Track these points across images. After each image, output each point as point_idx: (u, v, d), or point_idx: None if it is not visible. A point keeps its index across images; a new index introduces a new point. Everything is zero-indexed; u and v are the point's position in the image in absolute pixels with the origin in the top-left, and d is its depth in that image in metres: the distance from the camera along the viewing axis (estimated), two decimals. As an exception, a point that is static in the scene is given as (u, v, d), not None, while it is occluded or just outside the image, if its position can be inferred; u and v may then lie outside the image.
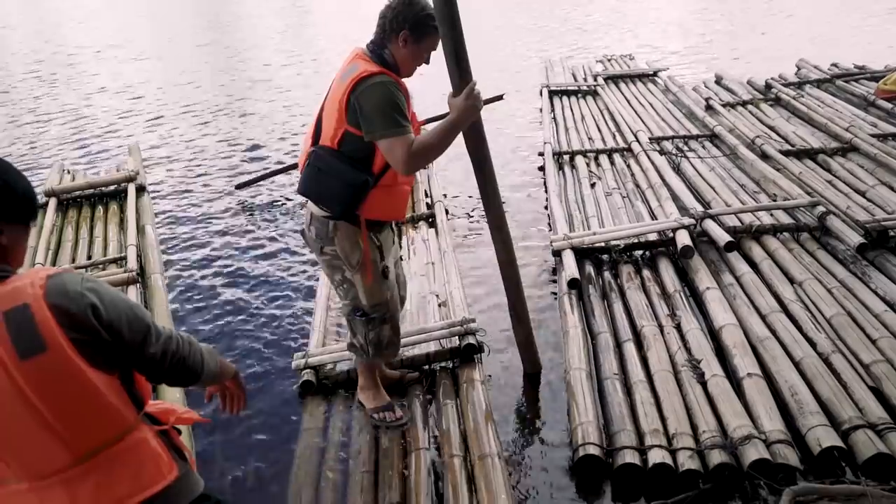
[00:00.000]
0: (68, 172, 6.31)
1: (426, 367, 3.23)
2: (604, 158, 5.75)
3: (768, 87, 7.24)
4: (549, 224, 4.87)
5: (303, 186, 2.40)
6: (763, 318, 3.32)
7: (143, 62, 13.21)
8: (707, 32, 12.59)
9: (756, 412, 2.67)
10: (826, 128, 5.82)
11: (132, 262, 4.19)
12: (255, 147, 7.35)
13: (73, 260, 4.58)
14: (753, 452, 2.44)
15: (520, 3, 18.15)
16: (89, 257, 4.58)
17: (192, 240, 5.12)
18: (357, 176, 2.28)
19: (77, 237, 4.91)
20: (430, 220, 4.88)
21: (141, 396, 1.40)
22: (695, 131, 6.21)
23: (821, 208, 4.14)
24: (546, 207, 5.13)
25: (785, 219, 4.25)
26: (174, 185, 6.31)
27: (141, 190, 5.53)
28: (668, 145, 5.90)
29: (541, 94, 7.89)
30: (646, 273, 3.86)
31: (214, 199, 5.92)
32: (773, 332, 3.19)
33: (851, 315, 3.26)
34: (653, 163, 5.33)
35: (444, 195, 5.28)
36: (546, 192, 5.30)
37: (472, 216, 5.20)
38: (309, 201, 2.45)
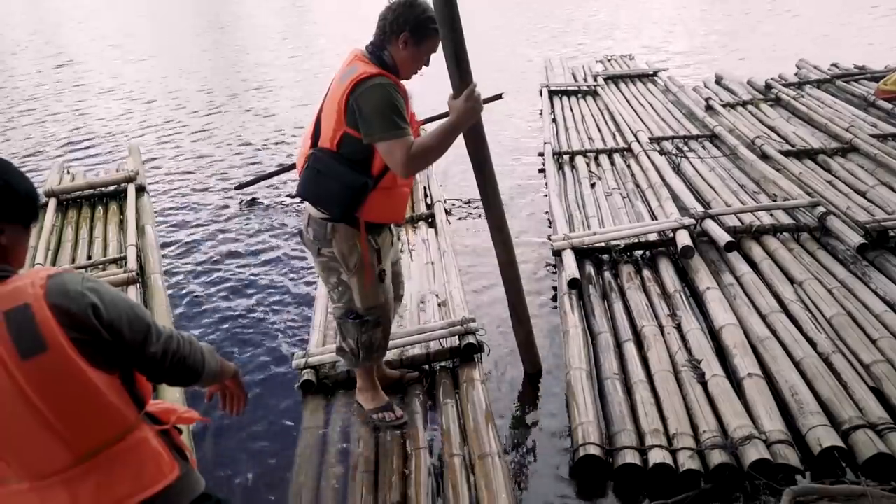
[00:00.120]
0: (68, 172, 6.30)
1: (426, 366, 3.23)
2: (604, 158, 5.75)
3: (768, 87, 7.24)
4: (549, 224, 4.87)
5: (301, 189, 2.39)
6: (763, 318, 3.32)
7: (144, 62, 13.21)
8: (709, 32, 12.60)
9: (756, 412, 2.67)
10: (826, 128, 5.82)
11: (132, 263, 4.19)
12: (255, 147, 7.35)
13: (73, 260, 4.58)
14: (754, 452, 2.44)
15: (520, 3, 18.15)
16: (89, 257, 4.58)
17: (191, 240, 5.12)
18: (356, 178, 2.27)
19: (77, 237, 4.91)
20: (430, 220, 4.88)
21: (142, 396, 1.40)
22: (695, 131, 6.21)
23: (821, 208, 4.14)
24: (546, 207, 5.13)
25: (785, 219, 4.25)
26: (174, 186, 6.31)
27: (141, 190, 5.52)
28: (668, 145, 5.90)
29: (541, 94, 7.89)
30: (646, 273, 3.86)
31: (214, 199, 5.92)
32: (774, 332, 3.19)
33: (851, 315, 3.26)
34: (653, 163, 5.33)
35: (444, 199, 5.28)
36: (546, 191, 5.30)
37: (472, 216, 5.20)
38: (307, 203, 2.44)
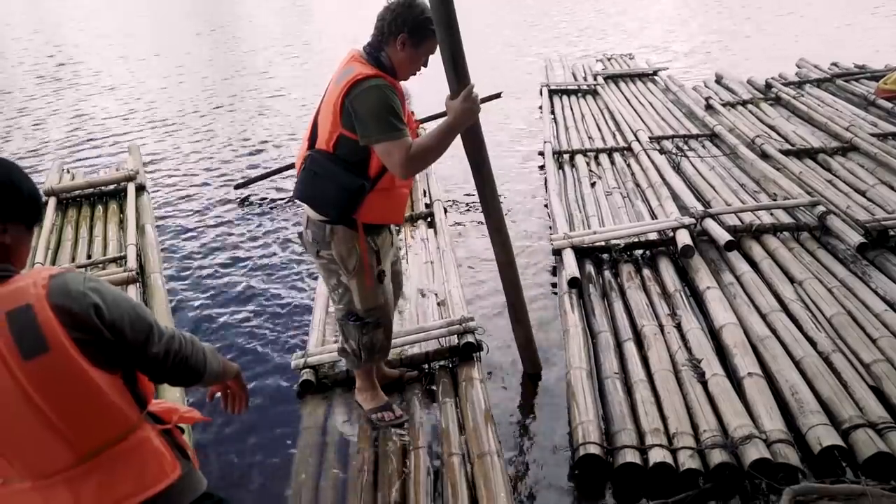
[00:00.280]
0: (68, 172, 6.30)
1: (425, 365, 3.23)
2: (604, 157, 5.75)
3: (768, 86, 7.24)
4: (549, 223, 4.87)
5: (299, 191, 2.38)
6: (763, 317, 3.32)
7: (143, 62, 13.20)
8: (710, 32, 12.59)
9: (756, 411, 2.67)
10: (826, 127, 5.81)
11: (132, 262, 4.18)
12: (255, 147, 7.35)
13: (73, 259, 4.58)
14: (754, 452, 2.44)
15: (520, 3, 18.14)
16: (89, 256, 4.57)
17: (191, 238, 5.12)
18: (353, 180, 2.26)
19: (77, 236, 4.91)
20: (429, 219, 4.88)
21: (144, 396, 1.40)
22: (695, 131, 6.21)
23: (821, 208, 4.14)
24: (546, 206, 5.13)
25: (785, 218, 4.25)
26: (174, 185, 6.31)
27: (141, 189, 5.52)
28: (668, 144, 5.90)
29: (541, 93, 7.90)
30: (646, 272, 3.86)
31: (214, 198, 5.92)
32: (774, 331, 3.19)
33: (851, 314, 3.26)
34: (653, 162, 5.32)
35: (443, 198, 5.28)
36: (546, 191, 5.30)
37: (471, 214, 5.20)
38: (306, 205, 2.43)
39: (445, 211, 4.97)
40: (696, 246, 3.95)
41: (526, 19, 15.52)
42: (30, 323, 1.17)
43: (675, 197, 4.65)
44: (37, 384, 1.19)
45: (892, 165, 4.82)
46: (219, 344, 3.70)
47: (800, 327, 3.21)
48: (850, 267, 3.71)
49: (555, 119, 7.04)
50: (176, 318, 3.98)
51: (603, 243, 4.06)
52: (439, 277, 3.99)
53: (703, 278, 3.70)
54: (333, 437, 2.83)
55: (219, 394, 1.75)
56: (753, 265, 3.82)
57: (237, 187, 5.98)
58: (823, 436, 2.50)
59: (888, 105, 6.29)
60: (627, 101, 7.46)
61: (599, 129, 6.55)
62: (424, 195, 5.32)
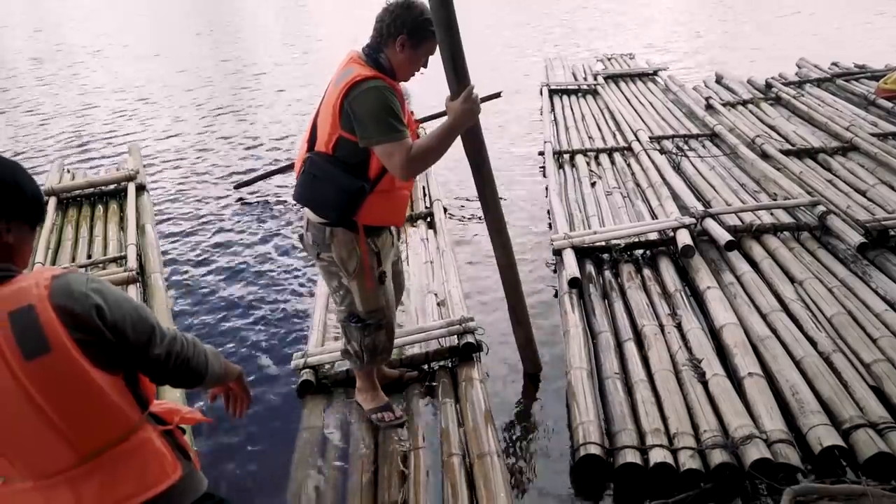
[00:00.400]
0: (68, 171, 6.30)
1: (425, 365, 3.23)
2: (604, 157, 5.75)
3: (768, 86, 7.23)
4: (549, 223, 4.87)
5: (298, 193, 2.37)
6: (764, 317, 3.32)
7: (144, 62, 13.20)
8: (711, 32, 12.59)
9: (757, 412, 2.66)
10: (826, 127, 5.81)
11: (132, 262, 4.19)
12: (255, 147, 7.35)
13: (73, 259, 4.58)
14: (754, 452, 2.43)
15: (520, 4, 18.14)
16: (89, 256, 4.57)
17: (191, 239, 5.12)
18: (352, 182, 2.25)
19: (77, 236, 4.91)
20: (429, 219, 4.87)
21: (146, 396, 1.40)
22: (695, 130, 6.21)
23: (821, 207, 4.14)
24: (546, 206, 5.12)
25: (785, 218, 4.25)
26: (174, 185, 6.31)
27: (141, 189, 5.52)
28: (668, 144, 5.90)
29: (541, 93, 7.89)
30: (646, 272, 3.85)
31: (214, 198, 5.92)
32: (774, 331, 3.19)
33: (852, 314, 3.26)
34: (653, 162, 5.32)
35: (443, 198, 5.27)
36: (546, 191, 5.30)
37: (471, 214, 5.20)
38: (306, 208, 2.43)
39: (445, 211, 4.97)
40: (696, 246, 3.94)
41: (526, 20, 15.52)
42: (32, 323, 1.17)
43: (676, 197, 4.64)
44: (38, 384, 1.19)
45: (892, 165, 4.82)
46: (218, 343, 3.70)
47: (800, 327, 3.21)
48: (851, 267, 3.71)
49: (555, 119, 7.04)
50: (175, 318, 3.98)
51: (603, 243, 4.06)
52: (439, 277, 3.99)
53: (704, 278, 3.69)
54: (333, 438, 2.83)
55: (221, 395, 1.75)
56: (754, 265, 3.82)
57: (237, 187, 5.98)
58: (824, 436, 2.50)
59: (888, 105, 6.29)
60: (628, 100, 7.46)
61: (600, 129, 6.55)
62: (424, 195, 5.32)
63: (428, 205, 5.10)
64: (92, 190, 5.53)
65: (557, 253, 4.03)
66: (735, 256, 3.88)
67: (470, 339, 3.20)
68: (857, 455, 2.45)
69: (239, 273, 4.55)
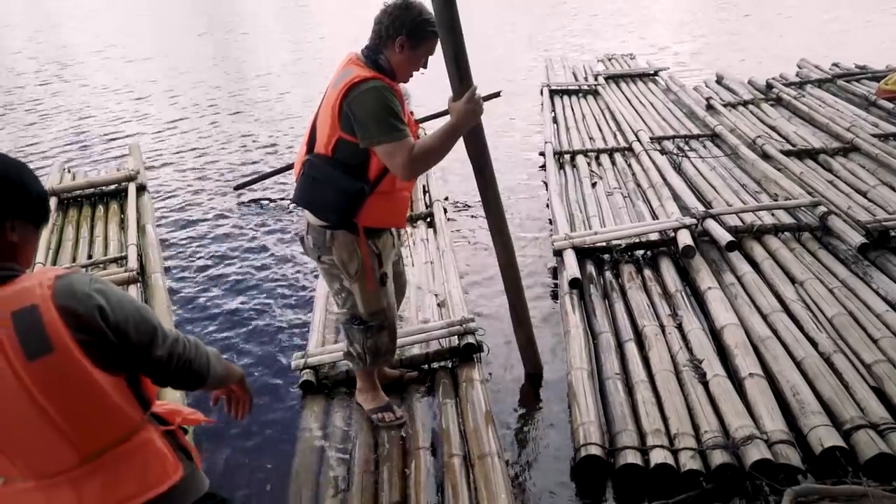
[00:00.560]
0: (69, 171, 6.31)
1: (425, 366, 3.23)
2: (605, 158, 5.75)
3: (769, 86, 7.23)
4: (550, 223, 4.87)
5: (298, 196, 2.36)
6: (764, 317, 3.32)
7: (144, 62, 13.20)
8: (712, 32, 12.59)
9: (758, 412, 2.66)
10: (827, 128, 5.81)
11: (132, 262, 4.19)
12: (256, 147, 7.35)
13: (74, 259, 4.58)
14: (755, 452, 2.43)
15: (522, 5, 18.15)
16: (90, 256, 4.58)
17: (192, 239, 5.12)
18: (352, 184, 2.25)
19: (77, 236, 4.91)
20: (429, 219, 4.87)
21: (147, 397, 1.41)
22: (696, 131, 6.21)
23: (822, 208, 4.14)
24: (547, 207, 5.12)
25: (786, 218, 4.25)
26: (175, 185, 6.31)
27: (141, 189, 5.53)
28: (669, 145, 5.90)
29: (541, 93, 7.89)
30: (647, 273, 3.85)
31: (215, 198, 5.92)
32: (775, 331, 3.19)
33: (853, 315, 3.26)
34: (654, 162, 5.32)
35: (444, 198, 5.27)
36: (547, 191, 5.30)
37: (471, 214, 5.19)
38: (306, 210, 2.42)
39: (445, 211, 4.97)
40: (697, 246, 3.94)
41: (528, 20, 15.52)
42: (35, 323, 1.17)
43: (676, 197, 4.64)
44: (41, 385, 1.19)
45: (892, 166, 4.81)
46: (218, 343, 3.70)
47: (801, 328, 3.21)
48: (852, 267, 3.70)
49: (555, 119, 7.04)
50: (176, 318, 3.98)
51: (604, 244, 4.06)
52: (439, 278, 3.99)
53: (705, 279, 3.69)
54: (334, 438, 2.82)
55: (223, 397, 1.75)
56: (754, 265, 3.82)
57: (237, 188, 5.99)
58: (825, 436, 2.50)
59: (889, 105, 6.29)
60: (628, 101, 7.46)
61: (600, 130, 6.55)
62: (424, 195, 5.32)
63: (428, 205, 5.10)
64: (92, 190, 5.54)
65: (558, 253, 4.03)
66: (736, 257, 3.88)
67: (470, 339, 3.20)
68: (858, 456, 2.45)
69: (239, 272, 4.55)
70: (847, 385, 2.77)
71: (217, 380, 1.57)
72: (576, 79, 8.54)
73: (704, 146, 5.86)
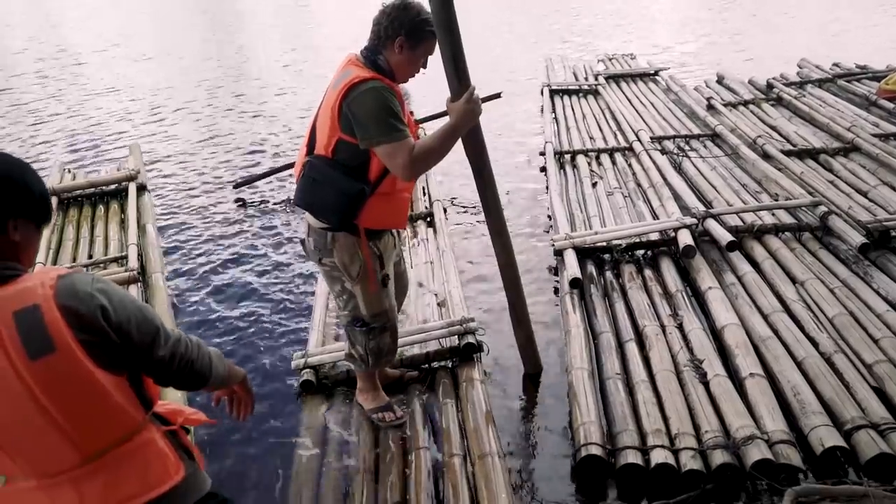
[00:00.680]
0: (69, 171, 6.31)
1: (425, 365, 3.23)
2: (605, 158, 5.75)
3: (770, 86, 7.23)
4: (550, 223, 4.87)
5: (299, 198, 2.36)
6: (765, 317, 3.32)
7: (144, 62, 13.20)
8: (714, 32, 12.58)
9: (758, 412, 2.66)
10: (828, 128, 5.81)
11: (133, 261, 4.19)
12: (256, 147, 7.34)
13: (74, 259, 4.58)
14: (756, 453, 2.43)
15: (522, 5, 18.14)
16: (90, 256, 4.57)
17: (192, 239, 5.12)
18: (352, 185, 2.24)
19: (78, 236, 4.91)
20: (429, 219, 4.87)
21: (150, 397, 1.41)
22: (696, 131, 6.21)
23: (822, 208, 4.13)
24: (548, 207, 5.12)
25: (787, 218, 4.25)
26: (175, 185, 6.31)
27: (142, 189, 5.52)
28: (669, 145, 5.89)
29: (542, 93, 7.89)
30: (647, 273, 3.85)
31: (215, 198, 5.92)
32: (776, 331, 3.19)
33: (854, 315, 3.26)
34: (654, 162, 5.32)
35: (443, 198, 5.27)
36: (547, 191, 5.29)
37: (471, 214, 5.19)
38: (307, 212, 2.42)
39: (445, 211, 4.97)
40: (697, 246, 3.94)
41: (527, 20, 15.52)
42: (37, 323, 1.18)
43: (677, 197, 4.64)
44: (43, 384, 1.19)
45: (893, 166, 4.81)
46: (218, 343, 3.70)
47: (802, 328, 3.20)
48: (852, 267, 3.70)
49: (556, 119, 7.04)
50: (177, 318, 3.98)
51: (604, 243, 4.06)
52: (439, 278, 3.99)
53: (705, 279, 3.69)
54: (334, 438, 2.82)
55: (225, 398, 1.75)
56: (755, 265, 3.82)
57: (236, 187, 5.98)
58: (825, 437, 2.50)
59: (890, 105, 6.28)
60: (629, 101, 7.45)
61: (601, 129, 6.54)
62: (424, 195, 5.32)
63: (428, 205, 5.10)
64: (93, 190, 5.53)
65: (558, 253, 4.03)
66: (736, 257, 3.88)
67: (470, 339, 3.20)
68: (859, 456, 2.45)
69: (239, 273, 4.55)
70: (848, 385, 2.77)
71: (219, 380, 1.57)
72: (576, 79, 8.53)
73: (705, 146, 5.86)
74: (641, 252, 4.11)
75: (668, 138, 6.02)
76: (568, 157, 5.81)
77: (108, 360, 1.26)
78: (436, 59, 2.35)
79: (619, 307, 3.54)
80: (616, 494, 2.53)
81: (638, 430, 2.67)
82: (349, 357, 2.77)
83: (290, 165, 5.91)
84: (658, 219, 4.41)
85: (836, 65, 7.92)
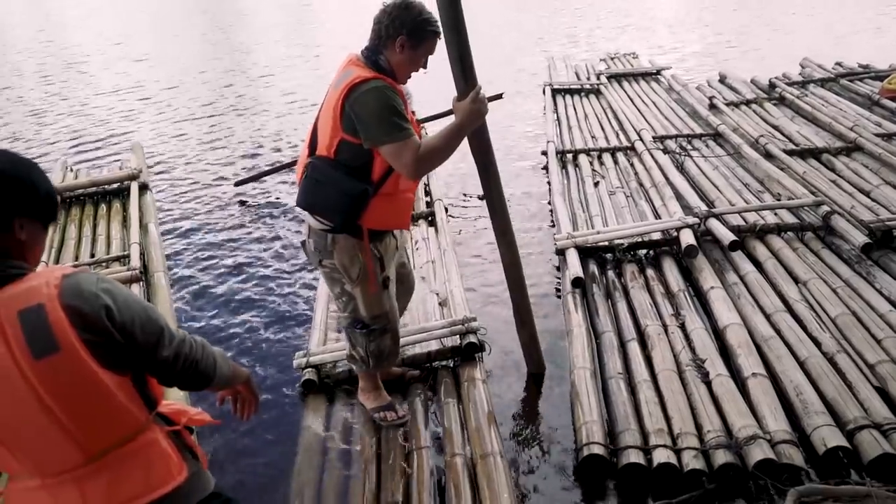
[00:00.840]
0: (71, 170, 6.32)
1: (427, 365, 3.23)
2: (607, 157, 5.74)
3: (772, 86, 7.22)
4: (552, 223, 4.86)
5: (301, 199, 2.35)
6: (767, 317, 3.31)
7: (146, 61, 13.21)
8: (719, 32, 12.57)
9: (761, 412, 2.66)
10: (830, 127, 5.80)
11: (135, 260, 4.19)
12: (259, 146, 7.35)
13: (77, 258, 4.59)
14: (758, 452, 2.43)
15: (526, 4, 18.13)
16: (92, 255, 4.58)
17: (194, 237, 5.12)
18: (355, 185, 2.23)
19: (80, 235, 4.91)
20: (430, 218, 4.87)
21: (154, 397, 1.41)
22: (698, 130, 6.20)
23: (825, 208, 4.13)
24: (549, 206, 5.12)
25: (789, 218, 4.24)
26: (177, 184, 6.31)
27: (144, 188, 5.53)
28: (671, 144, 5.89)
29: (544, 92, 7.88)
30: (650, 272, 3.85)
31: (217, 197, 5.93)
32: (778, 331, 3.19)
33: (856, 315, 3.25)
34: (656, 161, 5.31)
35: (449, 199, 5.27)
36: (549, 190, 5.29)
37: (472, 213, 5.19)
38: (307, 213, 2.41)
39: (446, 210, 4.97)
40: (699, 246, 3.94)
41: (531, 19, 15.51)
42: (41, 323, 1.17)
43: (679, 197, 4.64)
44: (47, 384, 1.19)
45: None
46: (220, 342, 3.71)
47: (804, 328, 3.20)
48: (855, 267, 3.70)
49: (558, 118, 7.03)
50: (178, 317, 3.98)
51: (606, 243, 4.06)
52: (441, 277, 3.98)
53: (707, 278, 3.69)
54: (335, 437, 2.82)
55: (229, 398, 1.75)
56: (757, 265, 3.81)
57: (237, 185, 5.99)
58: (828, 437, 2.49)
59: (892, 105, 6.27)
60: (631, 100, 7.45)
61: (603, 129, 6.54)
62: (426, 194, 5.32)
63: (429, 204, 5.09)
64: (95, 189, 5.54)
65: (561, 252, 4.03)
66: (739, 256, 3.88)
67: (472, 338, 3.20)
68: (862, 456, 2.45)
69: (241, 271, 4.55)
70: (850, 385, 2.77)
71: (223, 380, 1.56)
72: (578, 78, 8.53)
73: (707, 145, 5.85)
74: (643, 251, 4.11)
75: (671, 138, 6.02)
76: (570, 156, 5.81)
77: (112, 359, 1.26)
78: (436, 59, 2.34)
79: (622, 307, 3.54)
80: (618, 494, 2.53)
81: (640, 430, 2.66)
82: (350, 359, 2.78)
83: (291, 164, 5.92)
84: (660, 218, 4.41)
85: (838, 64, 7.90)
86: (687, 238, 3.92)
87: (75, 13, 22.56)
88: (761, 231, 4.10)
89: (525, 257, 3.72)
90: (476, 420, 2.78)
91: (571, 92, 7.87)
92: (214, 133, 7.96)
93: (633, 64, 9.11)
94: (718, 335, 3.27)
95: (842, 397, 2.68)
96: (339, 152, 2.24)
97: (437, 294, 3.81)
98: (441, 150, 2.24)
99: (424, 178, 5.51)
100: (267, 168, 6.22)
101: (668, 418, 2.70)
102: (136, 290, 3.89)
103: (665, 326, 3.33)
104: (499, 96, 6.95)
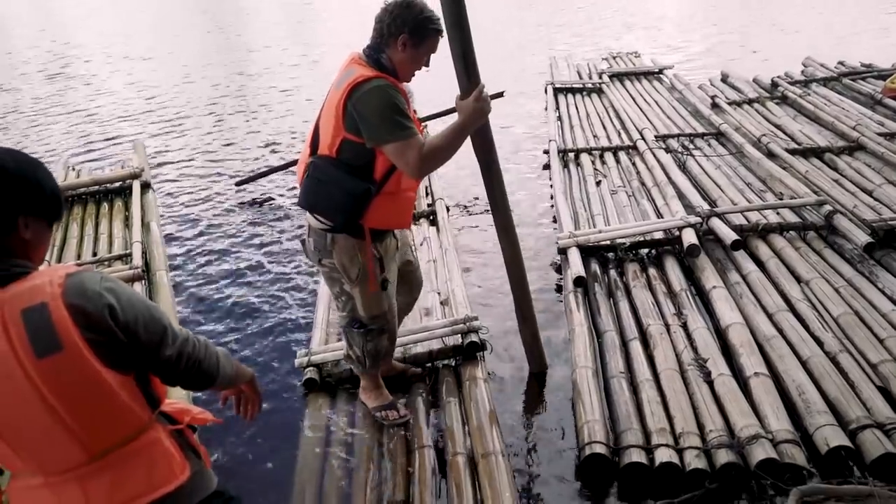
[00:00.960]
0: (73, 169, 6.32)
1: (428, 364, 3.23)
2: (609, 156, 5.74)
3: (774, 85, 7.20)
4: (554, 222, 4.86)
5: (303, 198, 2.34)
6: (770, 316, 3.31)
7: (147, 61, 13.22)
8: (716, 31, 12.55)
9: (763, 411, 2.66)
10: (833, 126, 5.79)
11: (137, 259, 4.20)
12: (261, 146, 7.35)
13: (79, 256, 4.59)
14: (760, 452, 2.43)
15: (530, 3, 18.12)
16: (94, 254, 4.59)
17: (196, 237, 5.13)
18: (357, 184, 2.23)
19: (82, 234, 4.92)
20: (432, 218, 4.87)
21: (157, 396, 1.40)
22: (700, 129, 6.19)
23: (827, 207, 4.12)
24: (551, 205, 5.11)
25: (791, 217, 4.23)
26: (179, 183, 6.32)
27: (146, 187, 5.54)
28: (673, 143, 5.88)
29: (545, 91, 7.87)
30: (652, 271, 3.84)
31: (218, 196, 5.93)
32: (780, 331, 3.18)
33: (859, 314, 3.24)
34: (658, 161, 5.31)
35: (450, 198, 5.26)
36: (551, 189, 5.29)
37: (473, 212, 5.19)
38: (307, 213, 2.40)
39: (448, 209, 4.97)
40: (701, 245, 3.93)
41: (534, 18, 15.49)
42: (44, 322, 1.17)
43: (681, 196, 4.63)
44: (50, 383, 1.19)
45: (898, 165, 4.80)
46: (221, 341, 3.71)
47: (806, 327, 3.20)
48: (857, 266, 3.69)
49: (560, 117, 7.02)
50: (180, 316, 3.98)
51: (608, 242, 4.05)
52: (442, 276, 3.98)
53: (709, 277, 3.68)
54: (337, 436, 2.82)
55: (232, 397, 1.75)
56: (760, 264, 3.81)
57: (238, 184, 6.00)
58: (830, 436, 2.49)
59: (895, 104, 6.25)
60: (633, 99, 7.44)
61: (605, 128, 6.53)
62: (427, 194, 5.32)
63: (431, 203, 5.09)
64: (97, 188, 5.55)
65: (562, 252, 4.03)
66: (741, 256, 3.87)
67: (474, 338, 3.20)
68: (864, 455, 2.44)
69: (242, 271, 4.55)
70: (853, 384, 2.76)
71: (226, 380, 1.56)
72: (580, 77, 8.52)
73: (709, 144, 5.85)
74: (645, 251, 4.10)
75: (673, 137, 6.01)
76: (572, 155, 5.80)
77: (116, 359, 1.26)
78: (439, 58, 2.34)
79: (624, 306, 3.54)
80: (620, 493, 2.53)
81: (642, 429, 2.66)
82: (347, 358, 2.79)
83: (292, 164, 5.92)
84: (662, 217, 4.41)
85: (841, 63, 7.88)
86: (689, 237, 3.92)
87: (74, 12, 22.57)
88: (763, 230, 4.09)
89: (527, 256, 3.71)
90: (478, 419, 2.78)
91: (573, 91, 7.86)
92: (216, 132, 7.97)
93: (635, 63, 9.10)
94: (720, 334, 3.26)
95: (844, 397, 2.67)
96: (341, 151, 2.23)
97: (439, 293, 3.81)
98: (445, 149, 2.23)
99: (426, 178, 5.51)
100: (268, 167, 6.22)
101: (670, 418, 2.70)
102: (138, 288, 3.90)
103: (667, 326, 3.33)
104: (500, 94, 6.95)
